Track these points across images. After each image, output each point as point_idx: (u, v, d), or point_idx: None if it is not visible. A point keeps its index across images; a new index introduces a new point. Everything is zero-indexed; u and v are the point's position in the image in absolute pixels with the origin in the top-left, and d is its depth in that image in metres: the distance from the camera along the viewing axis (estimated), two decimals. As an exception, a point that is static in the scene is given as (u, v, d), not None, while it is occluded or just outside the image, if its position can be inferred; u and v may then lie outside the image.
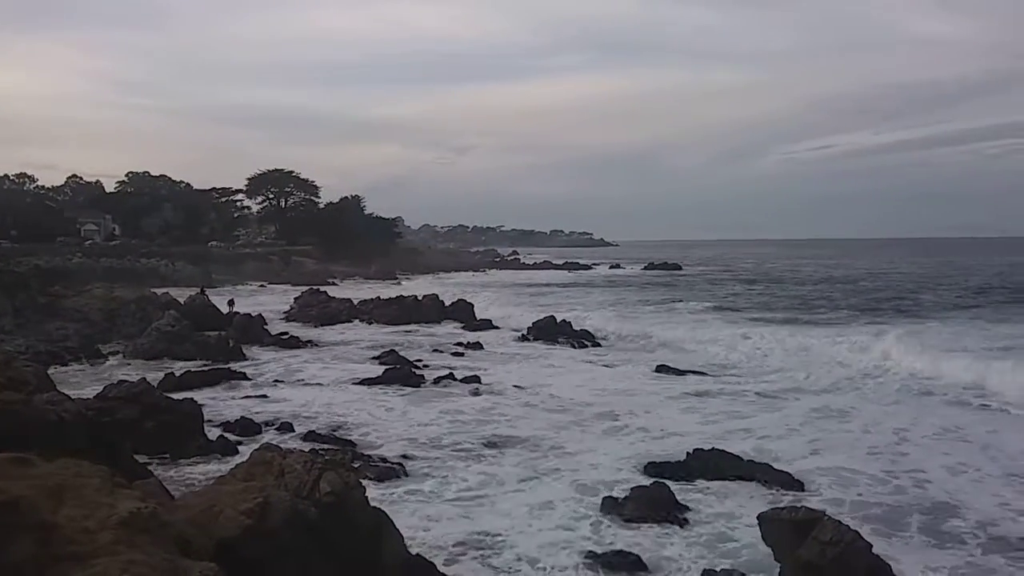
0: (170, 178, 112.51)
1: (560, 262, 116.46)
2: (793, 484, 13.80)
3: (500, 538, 11.52)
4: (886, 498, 13.22)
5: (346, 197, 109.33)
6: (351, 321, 41.32)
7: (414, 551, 9.86)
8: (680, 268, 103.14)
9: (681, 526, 11.99)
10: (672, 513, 12.17)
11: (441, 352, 30.61)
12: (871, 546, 8.83)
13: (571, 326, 35.51)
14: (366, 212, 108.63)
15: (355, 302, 44.81)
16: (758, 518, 9.58)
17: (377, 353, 29.35)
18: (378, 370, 25.18)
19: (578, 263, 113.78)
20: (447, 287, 62.59)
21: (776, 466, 14.55)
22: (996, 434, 17.42)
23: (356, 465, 13.65)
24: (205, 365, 25.77)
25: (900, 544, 11.26)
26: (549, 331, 34.59)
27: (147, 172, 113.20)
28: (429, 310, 42.28)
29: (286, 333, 35.25)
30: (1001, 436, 17.19)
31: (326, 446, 15.42)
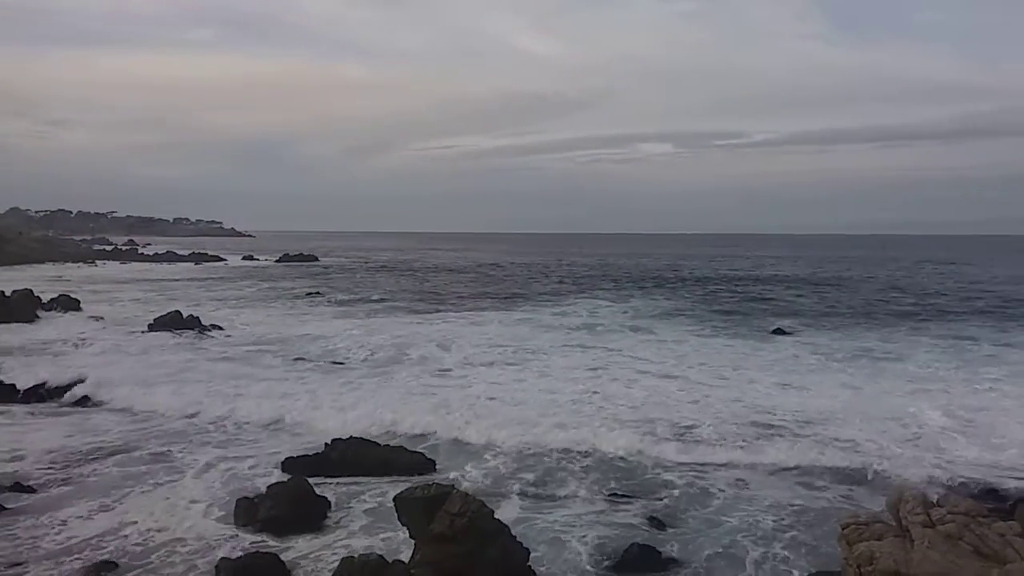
0: None
1: (186, 253, 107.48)
2: (426, 464, 14.68)
3: (126, 554, 10.42)
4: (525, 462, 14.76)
5: None
6: (-91, 325, 33.40)
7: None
8: (317, 259, 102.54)
9: (320, 519, 12.01)
10: (309, 508, 12.10)
11: (37, 355, 26.37)
12: (493, 512, 9.79)
13: (200, 320, 33.21)
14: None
15: (-86, 301, 36.32)
16: (394, 500, 10.00)
17: (-52, 362, 24.24)
18: (-50, 382, 20.83)
19: (206, 254, 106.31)
20: (43, 281, 54.03)
21: (410, 447, 15.34)
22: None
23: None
24: None
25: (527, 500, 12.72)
26: (174, 327, 31.93)
27: None
28: (20, 308, 36.05)
29: None
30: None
31: None
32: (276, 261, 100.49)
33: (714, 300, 48.92)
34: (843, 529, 9.50)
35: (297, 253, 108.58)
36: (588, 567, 10.58)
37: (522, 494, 13.35)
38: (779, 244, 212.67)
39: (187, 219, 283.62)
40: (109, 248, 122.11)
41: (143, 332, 31.54)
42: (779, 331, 33.41)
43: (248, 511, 11.86)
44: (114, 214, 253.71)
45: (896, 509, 9.76)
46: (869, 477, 14.12)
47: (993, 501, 12.34)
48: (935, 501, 9.93)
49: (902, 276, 73.62)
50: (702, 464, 14.83)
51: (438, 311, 41.68)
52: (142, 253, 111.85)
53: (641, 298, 49.85)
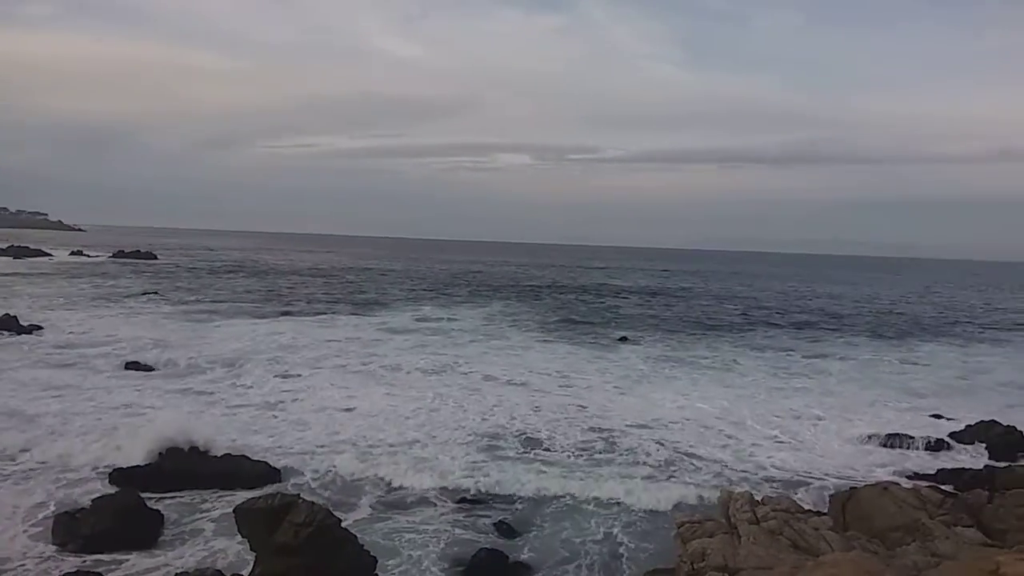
0: None
1: (3, 246, 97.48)
2: (270, 473, 14.11)
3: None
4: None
5: None
6: None
7: None
8: (155, 258, 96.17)
9: (153, 534, 11.25)
10: (140, 522, 11.30)
11: None
12: (340, 521, 9.56)
13: (18, 321, 30.27)
14: None
15: None
16: (234, 511, 9.54)
17: None
18: None
19: (28, 248, 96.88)
20: None
21: (252, 457, 14.68)
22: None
23: None
24: None
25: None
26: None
27: None
28: None
29: None
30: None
31: None
32: (110, 257, 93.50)
33: (566, 308, 50.36)
34: (679, 527, 10.05)
35: (133, 250, 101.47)
36: (437, 574, 10.56)
37: (370, 503, 13.14)
38: (632, 257, 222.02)
39: (6, 209, 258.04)
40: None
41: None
42: (624, 339, 34.90)
43: (69, 527, 10.91)
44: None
45: (726, 507, 10.45)
46: (702, 478, 15.01)
47: (808, 498, 13.49)
48: (760, 500, 10.72)
49: (740, 290, 79.01)
50: (546, 469, 15.16)
51: (286, 315, 40.26)
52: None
53: (495, 305, 50.51)
